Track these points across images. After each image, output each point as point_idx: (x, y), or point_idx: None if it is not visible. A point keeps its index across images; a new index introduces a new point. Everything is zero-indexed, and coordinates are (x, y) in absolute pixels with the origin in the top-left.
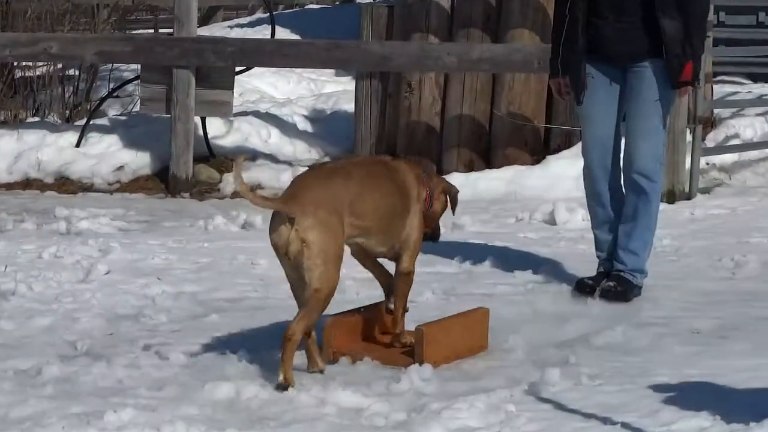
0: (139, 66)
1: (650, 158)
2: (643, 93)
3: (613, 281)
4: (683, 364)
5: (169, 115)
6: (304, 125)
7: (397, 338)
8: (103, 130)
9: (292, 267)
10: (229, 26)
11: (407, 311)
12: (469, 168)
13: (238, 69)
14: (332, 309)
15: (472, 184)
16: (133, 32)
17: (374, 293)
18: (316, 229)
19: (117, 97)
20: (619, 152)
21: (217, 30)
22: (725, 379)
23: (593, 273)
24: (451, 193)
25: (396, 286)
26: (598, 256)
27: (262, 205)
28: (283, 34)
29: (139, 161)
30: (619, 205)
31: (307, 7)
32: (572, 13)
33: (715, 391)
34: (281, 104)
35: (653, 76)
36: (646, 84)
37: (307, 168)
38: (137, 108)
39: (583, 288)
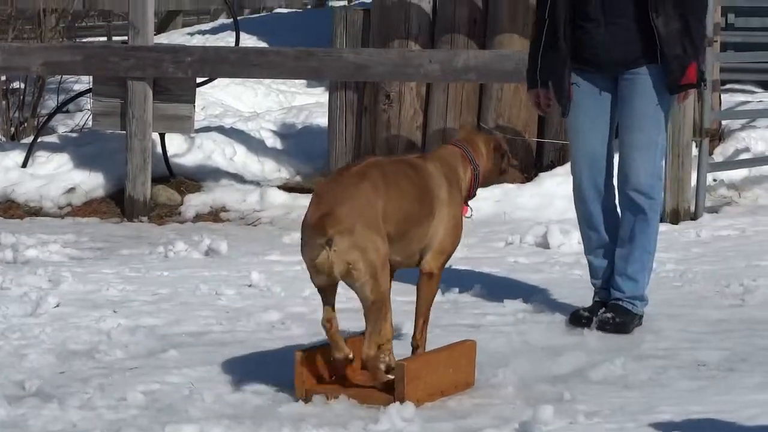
0: (90, 78)
1: (648, 173)
2: (637, 103)
3: (611, 311)
4: (688, 400)
5: (124, 132)
6: (272, 141)
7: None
8: (52, 148)
9: (333, 281)
10: (189, 33)
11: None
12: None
13: (199, 80)
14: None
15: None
16: (84, 41)
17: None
18: (357, 249)
19: (67, 112)
20: (613, 170)
21: (176, 37)
22: (732, 416)
23: (589, 302)
24: (501, 148)
25: (418, 290)
26: (593, 284)
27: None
28: (249, 41)
29: (92, 182)
30: (614, 228)
31: (275, 11)
32: (553, 15)
33: (722, 429)
34: (247, 118)
35: (648, 83)
36: (641, 92)
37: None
38: (89, 124)
39: (578, 320)
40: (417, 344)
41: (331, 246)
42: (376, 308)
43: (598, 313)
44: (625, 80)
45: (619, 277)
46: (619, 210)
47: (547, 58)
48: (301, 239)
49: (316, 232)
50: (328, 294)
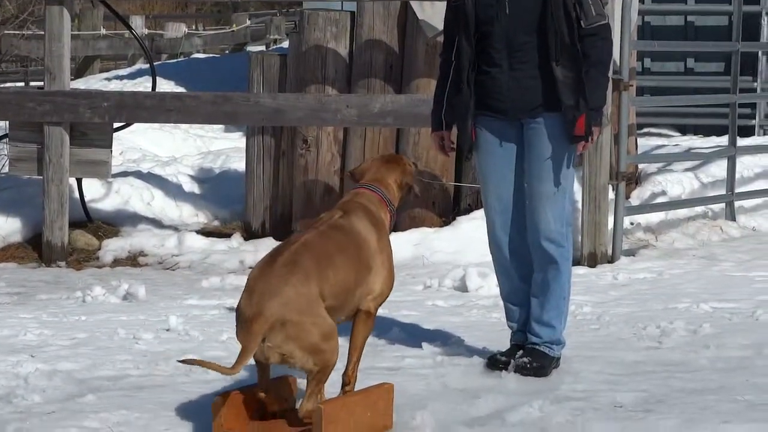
0: (6, 123)
1: (556, 222)
2: (541, 151)
3: (528, 356)
4: None
5: (41, 177)
6: (190, 186)
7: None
8: None
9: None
10: (107, 78)
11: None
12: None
13: (116, 125)
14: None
15: None
16: (0, 86)
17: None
18: (291, 340)
19: None
20: (521, 217)
21: (93, 83)
22: None
23: (507, 344)
24: (413, 182)
25: (354, 326)
26: (509, 326)
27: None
28: (166, 86)
29: (9, 227)
30: (528, 273)
31: (192, 56)
32: (459, 59)
33: None
34: (165, 163)
35: (551, 130)
36: (544, 141)
37: (256, 263)
38: (5, 169)
39: (495, 365)
40: (348, 380)
41: (265, 341)
42: (321, 374)
43: (515, 357)
44: (530, 128)
45: (536, 324)
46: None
47: (452, 100)
48: (236, 325)
49: (249, 332)
50: (263, 369)
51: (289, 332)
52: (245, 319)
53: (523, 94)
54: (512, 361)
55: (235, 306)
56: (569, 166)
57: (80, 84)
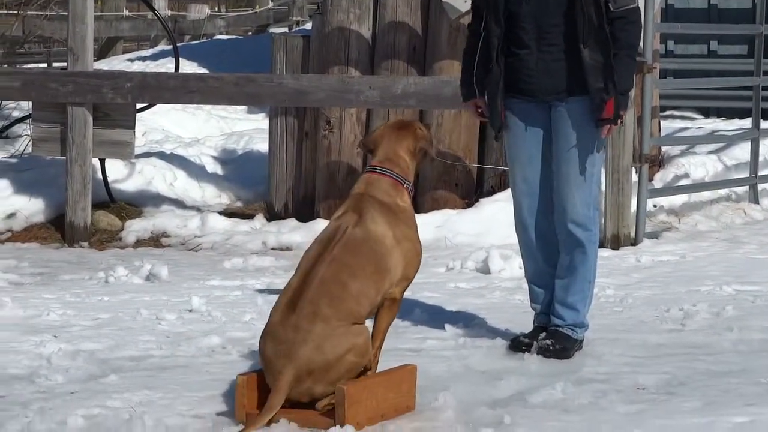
0: (30, 103)
1: (583, 206)
2: (569, 134)
3: (551, 338)
4: (627, 424)
5: (64, 158)
6: (213, 167)
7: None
8: None
9: None
10: (129, 59)
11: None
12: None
13: (139, 106)
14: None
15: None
16: (24, 66)
17: None
18: (320, 384)
19: (6, 138)
20: (548, 198)
21: (116, 63)
22: None
23: (530, 326)
24: (427, 147)
25: (379, 312)
26: (533, 308)
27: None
28: (189, 67)
29: (32, 208)
30: (553, 255)
31: (215, 38)
32: (488, 38)
33: None
34: (188, 144)
35: (579, 114)
36: (572, 124)
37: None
38: (29, 150)
39: (518, 346)
40: (370, 365)
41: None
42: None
43: (538, 339)
44: (557, 111)
45: (560, 306)
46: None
47: (482, 78)
48: (262, 367)
49: (278, 387)
50: None
51: (317, 377)
52: (273, 371)
53: (551, 76)
54: (535, 343)
55: (258, 347)
56: (597, 150)
57: (103, 65)
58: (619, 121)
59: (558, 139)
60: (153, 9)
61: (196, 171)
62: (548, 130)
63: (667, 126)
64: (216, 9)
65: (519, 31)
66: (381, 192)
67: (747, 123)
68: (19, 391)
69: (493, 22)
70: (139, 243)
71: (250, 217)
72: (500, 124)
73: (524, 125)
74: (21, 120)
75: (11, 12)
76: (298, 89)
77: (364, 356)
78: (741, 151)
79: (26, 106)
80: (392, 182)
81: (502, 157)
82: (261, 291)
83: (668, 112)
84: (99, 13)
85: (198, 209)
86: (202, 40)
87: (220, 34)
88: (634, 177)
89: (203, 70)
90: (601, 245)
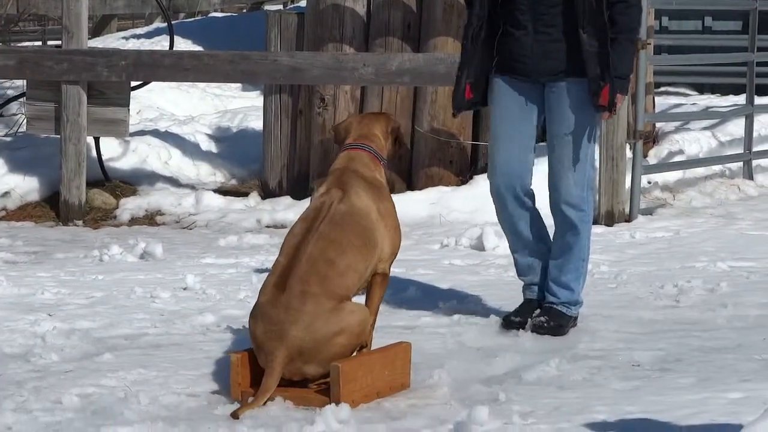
0: (24, 82)
1: (578, 186)
2: (565, 116)
3: (546, 315)
4: (622, 400)
5: (58, 136)
6: (208, 145)
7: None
8: None
9: None
10: (124, 37)
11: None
12: (390, 190)
13: (134, 84)
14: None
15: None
16: (18, 45)
17: None
18: (312, 364)
19: (0, 116)
20: (530, 174)
21: (111, 41)
22: (667, 416)
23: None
24: (396, 132)
25: (370, 289)
26: (522, 281)
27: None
28: (183, 45)
29: (27, 186)
30: (535, 227)
31: (210, 15)
32: (469, 16)
33: (657, 429)
34: (183, 122)
35: (576, 95)
36: (568, 105)
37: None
38: (23, 128)
39: (510, 325)
40: (365, 343)
41: (287, 366)
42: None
43: (533, 316)
44: (553, 92)
45: (554, 284)
46: (553, 216)
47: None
48: (254, 348)
49: (272, 367)
50: None
51: (308, 357)
52: (265, 351)
53: (548, 57)
54: (529, 320)
55: (249, 332)
56: (592, 132)
57: (98, 43)
58: (613, 109)
59: (553, 120)
60: None
61: (190, 149)
62: (540, 110)
63: (662, 102)
64: None
65: (516, 12)
66: (362, 165)
67: (741, 99)
68: (14, 370)
69: (477, 2)
70: (133, 221)
71: (245, 195)
72: (461, 105)
73: (516, 102)
74: (15, 98)
75: None
76: (293, 66)
77: (359, 336)
78: (735, 127)
79: (20, 84)
80: (371, 156)
81: None
82: (256, 269)
83: (662, 89)
84: None
85: (192, 187)
86: (196, 18)
87: (215, 11)
88: (629, 153)
89: (198, 48)
90: (596, 222)
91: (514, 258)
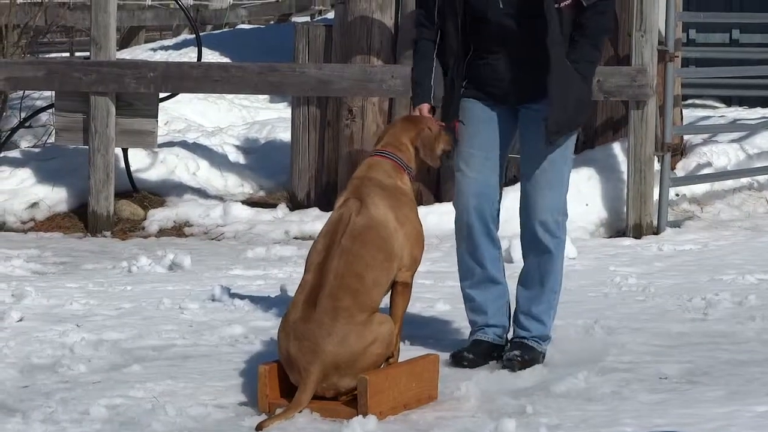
0: (53, 93)
1: (554, 211)
2: (538, 137)
3: (518, 349)
4: (650, 413)
5: (87, 147)
6: (235, 156)
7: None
8: (15, 163)
9: None
10: (152, 49)
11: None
12: (417, 202)
13: (162, 95)
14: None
15: (421, 220)
16: (47, 56)
17: None
18: (347, 378)
19: (29, 127)
20: (498, 202)
21: (139, 53)
22: (695, 429)
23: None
24: (420, 147)
25: (393, 298)
26: (473, 322)
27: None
28: (211, 56)
29: (55, 197)
30: (497, 261)
31: (237, 27)
32: (446, 39)
33: None
34: (210, 133)
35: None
36: (541, 127)
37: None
38: (52, 139)
39: (459, 362)
40: (392, 352)
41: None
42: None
43: (505, 351)
44: (526, 114)
45: (524, 317)
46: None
47: (438, 76)
48: (285, 367)
49: (306, 384)
50: None
51: (344, 371)
52: (299, 368)
53: (521, 80)
54: (504, 355)
55: (279, 349)
56: (568, 155)
57: (126, 54)
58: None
59: (527, 142)
60: None
61: (218, 160)
62: (511, 133)
63: (689, 115)
64: None
65: (486, 36)
66: (382, 173)
67: None
68: (42, 381)
69: (451, 26)
70: (161, 232)
71: (273, 206)
72: (426, 99)
73: (488, 125)
74: (44, 109)
75: (34, 2)
76: (320, 78)
77: (389, 346)
78: (763, 140)
79: (49, 95)
80: (393, 164)
81: None
82: (284, 280)
83: (690, 101)
84: (121, 3)
85: (220, 198)
86: (224, 30)
87: (243, 23)
88: (657, 166)
89: (225, 60)
90: (624, 234)
91: (468, 294)
